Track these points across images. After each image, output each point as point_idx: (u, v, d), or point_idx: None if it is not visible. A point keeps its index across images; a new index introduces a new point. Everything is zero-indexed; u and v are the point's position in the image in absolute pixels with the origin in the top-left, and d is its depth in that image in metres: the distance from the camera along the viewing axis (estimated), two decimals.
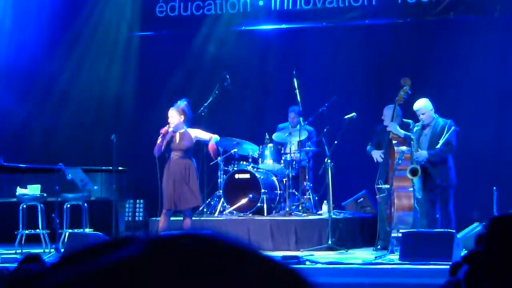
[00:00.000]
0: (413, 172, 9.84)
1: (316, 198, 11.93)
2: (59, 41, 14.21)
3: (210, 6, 13.83)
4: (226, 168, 11.99)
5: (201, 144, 11.80)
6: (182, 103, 10.36)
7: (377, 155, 10.87)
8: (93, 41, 14.23)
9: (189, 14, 13.95)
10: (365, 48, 13.27)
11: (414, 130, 10.35)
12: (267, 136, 12.09)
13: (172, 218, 10.62)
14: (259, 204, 11.63)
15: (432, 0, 12.88)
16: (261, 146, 12.03)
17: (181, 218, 10.58)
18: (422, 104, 10.30)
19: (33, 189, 11.59)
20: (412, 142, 10.16)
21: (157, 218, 11.58)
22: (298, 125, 11.84)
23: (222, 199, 11.78)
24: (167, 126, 10.26)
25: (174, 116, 10.25)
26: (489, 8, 12.63)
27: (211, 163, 11.98)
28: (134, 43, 14.27)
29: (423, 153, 10.09)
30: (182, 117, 10.28)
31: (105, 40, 14.23)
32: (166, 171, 10.32)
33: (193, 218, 11.20)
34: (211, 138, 10.45)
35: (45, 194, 11.55)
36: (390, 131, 10.40)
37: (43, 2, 14.16)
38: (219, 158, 11.83)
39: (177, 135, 10.29)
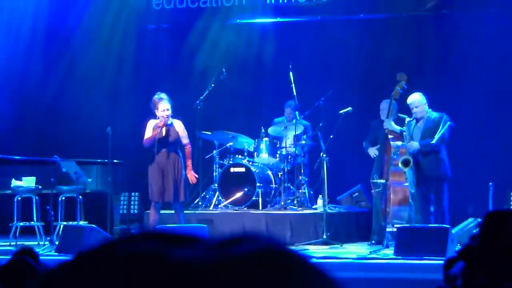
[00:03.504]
0: (405, 163, 9.85)
1: (311, 192, 11.93)
2: (56, 33, 14.18)
3: None
4: (222, 162, 11.99)
5: (195, 138, 11.80)
6: (165, 95, 10.35)
7: (372, 152, 10.89)
8: (89, 34, 14.19)
9: (185, 7, 13.93)
10: (361, 42, 13.26)
11: (406, 121, 10.36)
12: (263, 130, 12.09)
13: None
14: (254, 198, 11.63)
15: None
16: (256, 140, 12.03)
17: (172, 211, 10.61)
18: (416, 98, 10.31)
19: (28, 181, 11.58)
20: (404, 133, 10.18)
21: None
22: (294, 120, 11.84)
23: (217, 192, 11.78)
24: (163, 118, 10.25)
25: (169, 109, 10.27)
26: (485, 3, 12.64)
27: (206, 157, 11.98)
28: (131, 36, 14.21)
29: (414, 144, 10.10)
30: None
31: (102, 32, 14.18)
32: (154, 164, 10.33)
33: (189, 212, 11.21)
34: (188, 148, 10.41)
35: (40, 186, 11.54)
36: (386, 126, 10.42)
37: None
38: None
39: (164, 128, 10.31)
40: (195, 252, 0.89)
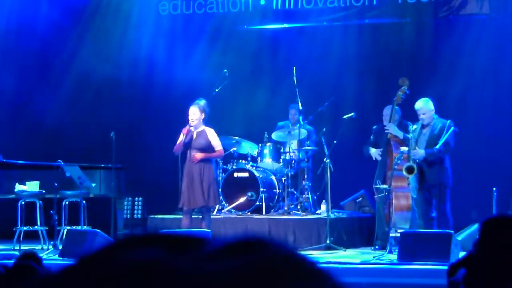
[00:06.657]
0: (409, 170, 9.84)
1: (315, 197, 11.93)
2: (62, 41, 14.22)
3: (212, 5, 13.83)
4: (225, 167, 11.99)
5: None
6: (202, 102, 10.37)
7: (375, 153, 10.87)
8: (95, 39, 14.21)
9: (191, 13, 13.95)
10: (365, 47, 13.27)
11: (413, 128, 10.33)
12: (266, 135, 12.09)
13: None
14: (257, 203, 11.63)
15: (431, 1, 12.91)
16: (260, 145, 12.04)
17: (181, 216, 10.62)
18: (424, 104, 10.28)
19: (32, 186, 11.59)
20: (410, 140, 10.16)
21: (156, 216, 11.59)
22: (298, 124, 11.84)
23: (221, 197, 11.78)
24: (188, 125, 10.25)
25: (196, 114, 10.25)
26: (487, 7, 12.66)
27: None
28: (135, 42, 14.22)
29: (420, 152, 10.07)
30: (203, 115, 10.29)
31: (107, 38, 14.19)
32: (183, 170, 10.31)
33: (193, 217, 11.20)
34: (218, 152, 10.39)
35: (43, 191, 11.55)
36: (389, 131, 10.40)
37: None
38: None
39: (195, 133, 10.30)
40: (194, 261, 0.89)
